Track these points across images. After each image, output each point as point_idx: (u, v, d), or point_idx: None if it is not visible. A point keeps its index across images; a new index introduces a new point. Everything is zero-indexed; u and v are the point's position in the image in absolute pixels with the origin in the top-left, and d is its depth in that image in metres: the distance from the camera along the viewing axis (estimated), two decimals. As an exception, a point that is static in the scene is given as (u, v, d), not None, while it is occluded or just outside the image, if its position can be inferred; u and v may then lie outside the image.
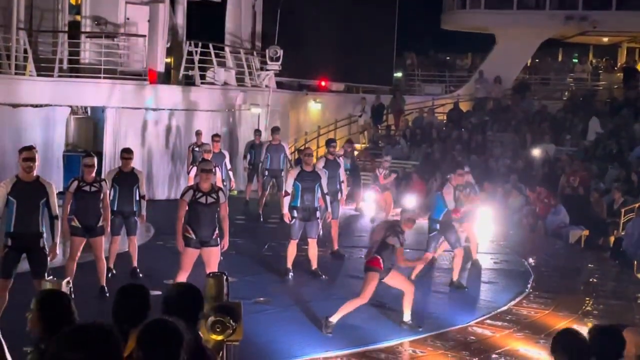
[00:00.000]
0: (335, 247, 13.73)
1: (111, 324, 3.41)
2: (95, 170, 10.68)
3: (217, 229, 9.93)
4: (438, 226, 12.08)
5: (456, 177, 12.43)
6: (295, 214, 12.19)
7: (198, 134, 18.08)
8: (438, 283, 12.57)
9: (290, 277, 12.26)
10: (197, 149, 17.17)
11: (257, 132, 19.65)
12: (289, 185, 12.29)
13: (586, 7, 27.39)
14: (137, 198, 11.77)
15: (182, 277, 9.68)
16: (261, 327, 9.40)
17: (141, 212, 11.79)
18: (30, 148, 8.90)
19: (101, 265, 10.66)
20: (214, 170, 10.29)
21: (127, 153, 11.98)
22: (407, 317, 9.95)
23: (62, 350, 3.14)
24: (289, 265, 12.30)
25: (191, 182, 13.09)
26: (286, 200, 12.25)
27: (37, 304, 4.55)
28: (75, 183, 10.46)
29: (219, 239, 9.97)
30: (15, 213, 8.73)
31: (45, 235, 8.93)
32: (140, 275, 11.64)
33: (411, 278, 11.65)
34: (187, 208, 9.77)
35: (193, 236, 9.82)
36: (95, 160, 10.85)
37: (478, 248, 13.89)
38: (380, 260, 9.57)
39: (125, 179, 11.69)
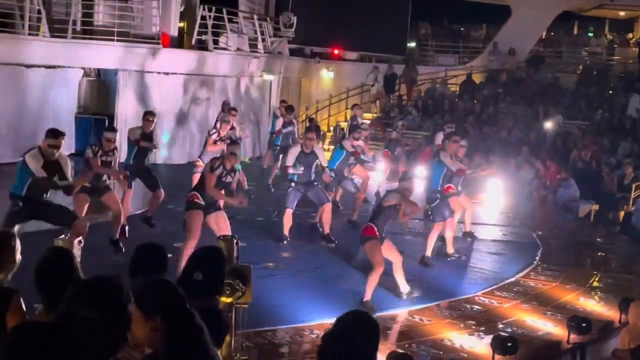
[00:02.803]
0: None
1: (121, 279, 3.42)
2: (113, 145, 11.13)
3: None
4: (439, 195, 12.08)
5: (450, 144, 12.33)
6: (293, 185, 12.58)
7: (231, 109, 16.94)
8: (445, 253, 12.57)
9: (285, 243, 12.44)
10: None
11: (283, 102, 19.62)
12: (290, 161, 12.68)
13: (604, -20, 27.17)
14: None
15: (193, 242, 9.68)
16: (270, 291, 9.46)
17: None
18: (57, 135, 9.11)
19: (118, 217, 10.92)
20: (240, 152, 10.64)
21: (150, 115, 12.49)
22: (403, 287, 10.05)
23: (73, 306, 3.16)
24: (285, 232, 12.52)
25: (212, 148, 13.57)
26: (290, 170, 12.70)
27: (39, 260, 4.58)
28: (99, 152, 10.91)
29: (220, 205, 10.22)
30: (29, 183, 9.02)
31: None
32: (154, 224, 12.08)
33: (427, 255, 11.72)
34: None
35: (202, 202, 10.00)
36: (117, 135, 11.37)
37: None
38: (375, 228, 9.72)
39: (146, 137, 12.19)
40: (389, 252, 9.96)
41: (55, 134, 9.10)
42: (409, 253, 11.60)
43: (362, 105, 27.06)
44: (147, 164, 12.44)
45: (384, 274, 10.29)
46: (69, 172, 9.21)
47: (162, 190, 12.23)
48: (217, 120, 15.22)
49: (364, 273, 10.62)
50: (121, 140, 12.47)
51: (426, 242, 11.97)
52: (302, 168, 12.44)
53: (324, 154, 13.15)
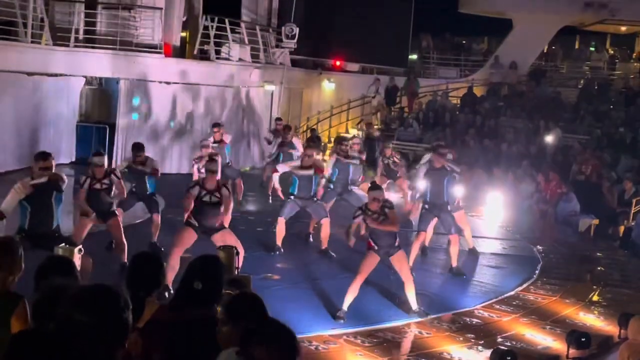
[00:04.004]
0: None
1: (119, 287, 3.42)
2: (104, 169, 10.77)
3: (220, 218, 10.15)
4: (427, 206, 12.10)
5: (435, 156, 12.27)
6: (291, 197, 12.53)
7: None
8: (445, 266, 12.56)
9: (278, 253, 12.41)
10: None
11: (278, 120, 19.36)
12: (283, 167, 12.69)
13: (606, -5, 27.22)
14: (150, 190, 12.08)
15: (177, 254, 9.72)
16: (269, 302, 9.30)
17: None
18: (47, 157, 8.93)
19: (121, 246, 10.72)
20: (218, 168, 10.47)
21: (137, 150, 12.17)
22: (414, 304, 9.97)
23: (69, 312, 3.16)
24: (278, 242, 12.51)
25: (195, 176, 13.37)
26: (274, 177, 12.73)
27: (39, 268, 4.58)
28: (88, 182, 10.60)
29: (224, 223, 10.22)
30: (29, 215, 8.84)
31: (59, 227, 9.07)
32: (162, 249, 11.74)
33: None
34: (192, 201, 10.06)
35: (196, 224, 10.03)
36: (105, 159, 10.96)
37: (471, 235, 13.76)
38: (371, 242, 9.76)
39: (137, 169, 12.00)
40: (400, 265, 9.88)
41: (44, 156, 8.93)
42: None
43: (363, 117, 27.23)
44: (149, 191, 12.10)
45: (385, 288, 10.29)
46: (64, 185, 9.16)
47: (159, 215, 12.07)
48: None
49: (364, 285, 10.62)
50: (124, 150, 12.40)
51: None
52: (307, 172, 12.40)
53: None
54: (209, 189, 10.09)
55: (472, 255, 13.39)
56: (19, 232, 8.85)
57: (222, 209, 10.13)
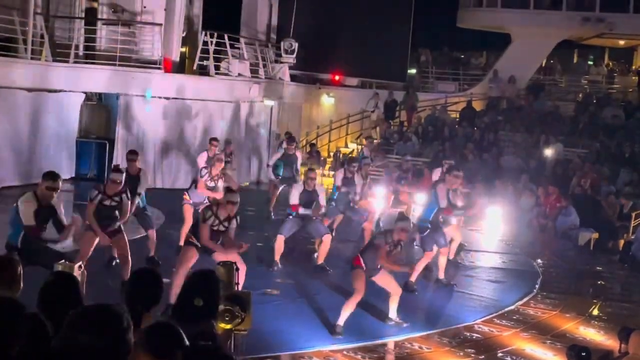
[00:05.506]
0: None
1: (121, 306, 3.42)
2: (120, 186, 10.54)
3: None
4: (429, 225, 12.04)
5: (451, 178, 12.32)
6: (291, 217, 12.63)
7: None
8: (436, 279, 12.52)
9: (276, 269, 12.39)
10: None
11: (287, 134, 19.01)
12: (294, 199, 12.63)
13: (603, 9, 27.25)
14: (142, 204, 12.09)
15: (182, 273, 9.46)
16: (269, 317, 9.43)
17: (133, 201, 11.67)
18: (56, 178, 8.76)
19: (127, 264, 10.40)
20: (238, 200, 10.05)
21: (131, 155, 12.23)
22: (392, 313, 10.05)
23: (73, 332, 3.16)
24: (276, 258, 12.51)
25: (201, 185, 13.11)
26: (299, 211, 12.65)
27: (44, 285, 4.59)
28: (99, 197, 10.41)
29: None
30: (23, 232, 8.66)
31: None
32: (160, 262, 11.71)
33: (411, 280, 11.68)
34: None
35: (197, 244, 9.80)
36: (123, 176, 10.69)
37: (459, 249, 13.79)
38: (361, 259, 9.74)
39: (132, 181, 11.69)
40: (386, 282, 9.96)
41: (53, 177, 8.72)
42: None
43: (362, 131, 27.25)
44: (142, 206, 12.08)
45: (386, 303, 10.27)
46: (62, 214, 8.92)
47: (154, 230, 12.03)
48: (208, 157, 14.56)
49: (363, 301, 10.60)
50: (123, 166, 12.34)
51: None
52: (309, 211, 12.49)
53: (324, 194, 13.08)
54: (221, 217, 9.74)
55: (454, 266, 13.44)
56: (10, 249, 8.60)
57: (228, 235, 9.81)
